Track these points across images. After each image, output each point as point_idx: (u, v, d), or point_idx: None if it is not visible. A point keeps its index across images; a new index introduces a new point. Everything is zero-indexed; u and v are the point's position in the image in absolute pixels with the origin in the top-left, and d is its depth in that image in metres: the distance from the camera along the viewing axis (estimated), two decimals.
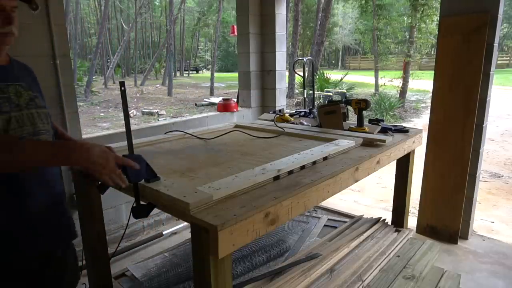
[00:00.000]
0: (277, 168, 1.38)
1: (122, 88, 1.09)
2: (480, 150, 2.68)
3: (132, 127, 3.05)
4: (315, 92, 8.32)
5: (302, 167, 1.50)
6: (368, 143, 1.90)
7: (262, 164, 1.46)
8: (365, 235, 2.22)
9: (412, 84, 12.63)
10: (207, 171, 1.46)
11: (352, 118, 2.56)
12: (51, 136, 1.19)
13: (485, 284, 2.28)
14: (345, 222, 2.50)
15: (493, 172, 4.89)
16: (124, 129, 1.16)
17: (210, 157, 1.70)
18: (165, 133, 2.16)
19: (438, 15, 2.84)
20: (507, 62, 24.84)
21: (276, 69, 3.95)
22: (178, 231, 3.02)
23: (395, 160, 2.15)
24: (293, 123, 2.49)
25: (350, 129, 2.12)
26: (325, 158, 1.63)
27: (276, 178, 1.38)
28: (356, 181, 1.65)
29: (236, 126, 2.42)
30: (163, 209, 1.28)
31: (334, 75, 11.84)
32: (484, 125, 2.63)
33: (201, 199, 1.10)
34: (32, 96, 1.13)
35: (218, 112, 3.80)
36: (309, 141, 1.95)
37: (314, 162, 1.56)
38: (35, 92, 1.15)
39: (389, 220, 2.52)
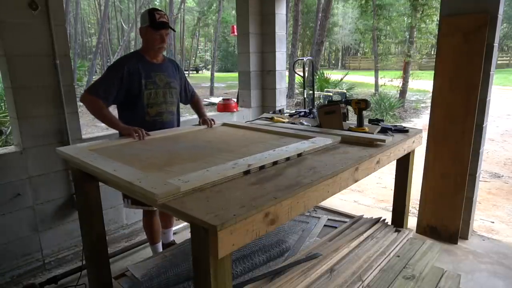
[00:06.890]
0: (248, 163, 1.44)
1: None
2: (480, 150, 2.68)
3: None
4: (315, 92, 8.32)
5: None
6: (368, 143, 1.90)
7: (237, 159, 1.51)
8: (365, 235, 2.21)
9: (412, 84, 12.61)
10: (183, 166, 1.52)
11: (352, 118, 2.56)
12: (175, 105, 2.27)
13: (485, 284, 2.28)
14: (345, 222, 2.50)
15: (493, 172, 4.89)
16: None
17: (191, 154, 1.75)
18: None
19: (438, 15, 2.84)
20: (507, 62, 24.83)
21: (276, 69, 3.95)
22: (178, 231, 3.02)
23: (395, 160, 2.15)
24: (292, 123, 2.49)
25: (350, 129, 2.12)
26: (299, 155, 1.68)
27: (247, 172, 1.44)
28: (356, 181, 1.65)
29: (224, 124, 2.50)
30: (139, 198, 1.35)
31: (334, 75, 11.84)
32: (484, 125, 2.63)
33: (169, 191, 1.19)
34: (168, 81, 2.20)
35: (218, 112, 3.81)
36: (289, 139, 2.00)
37: (287, 158, 1.61)
38: (172, 78, 2.23)
39: (389, 220, 2.52)
